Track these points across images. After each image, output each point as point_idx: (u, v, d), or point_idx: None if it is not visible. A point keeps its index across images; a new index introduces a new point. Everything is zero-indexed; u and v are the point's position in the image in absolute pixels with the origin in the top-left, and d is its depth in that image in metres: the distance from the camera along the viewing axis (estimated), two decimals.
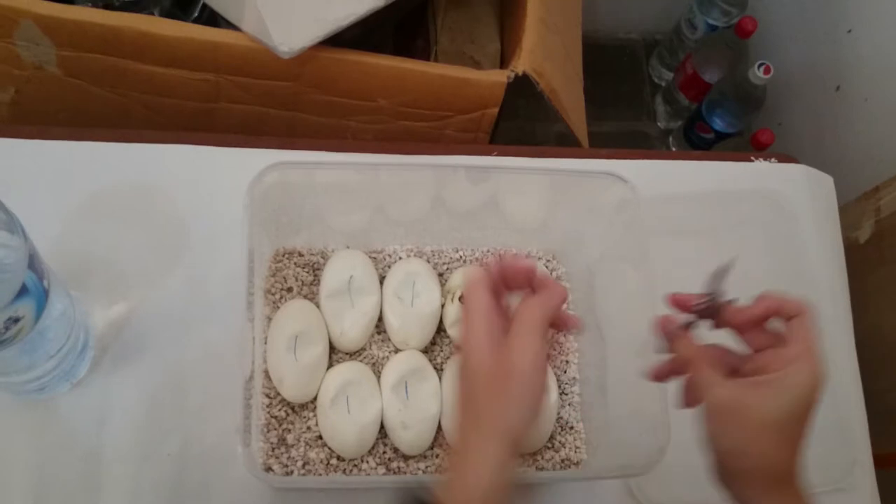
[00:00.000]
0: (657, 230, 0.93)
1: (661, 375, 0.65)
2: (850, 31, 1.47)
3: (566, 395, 0.83)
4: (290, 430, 0.76)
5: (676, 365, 0.63)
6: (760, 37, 1.60)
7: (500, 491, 0.56)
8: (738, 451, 0.58)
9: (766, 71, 1.51)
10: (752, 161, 1.00)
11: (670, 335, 0.63)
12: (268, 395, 0.77)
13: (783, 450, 0.57)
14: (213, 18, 0.99)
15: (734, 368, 0.60)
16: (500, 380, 0.57)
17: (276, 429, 0.76)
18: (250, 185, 0.69)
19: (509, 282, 0.63)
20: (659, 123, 1.84)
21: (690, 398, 0.62)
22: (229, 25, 0.91)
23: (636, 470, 0.68)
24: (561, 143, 1.37)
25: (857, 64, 1.47)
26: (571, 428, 0.81)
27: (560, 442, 0.80)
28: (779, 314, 0.60)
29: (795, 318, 0.59)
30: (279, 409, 0.77)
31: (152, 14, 1.00)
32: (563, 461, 0.79)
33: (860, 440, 0.91)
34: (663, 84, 1.86)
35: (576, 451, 0.80)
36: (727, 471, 0.60)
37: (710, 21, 1.68)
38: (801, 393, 0.57)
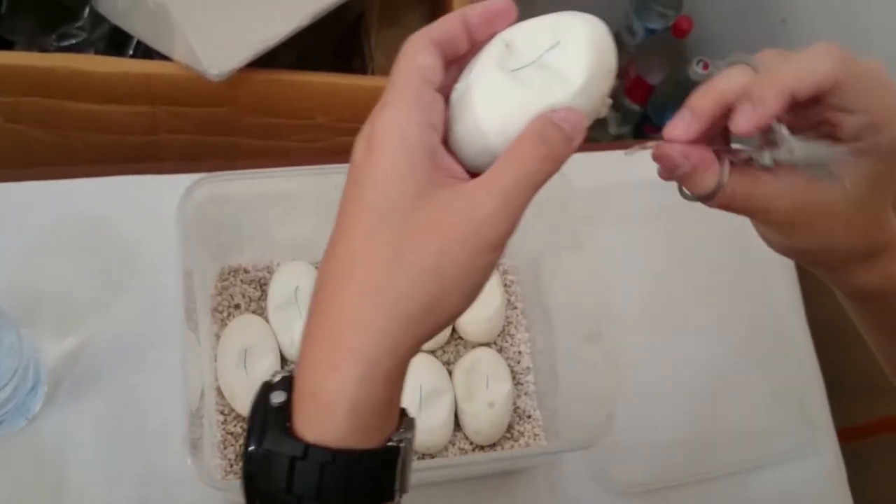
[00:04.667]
0: (604, 219, 0.96)
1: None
2: (783, 21, 1.51)
3: (521, 384, 0.83)
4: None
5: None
6: (697, 35, 1.64)
7: (389, 381, 0.37)
8: (824, 251, 0.47)
9: (705, 67, 1.54)
10: None
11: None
12: (222, 412, 0.77)
13: (871, 228, 0.46)
14: (148, 55, 1.01)
15: None
16: (416, 234, 0.36)
17: (232, 444, 0.76)
18: (181, 200, 0.70)
19: (477, 34, 0.41)
20: (610, 130, 1.87)
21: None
22: (162, 58, 0.93)
23: (587, 441, 0.68)
24: None
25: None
26: (529, 416, 0.82)
27: (518, 431, 0.81)
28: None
29: None
30: (234, 425, 0.77)
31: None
32: (521, 449, 0.80)
33: (818, 408, 0.92)
34: None
35: (535, 439, 0.81)
36: (812, 262, 0.50)
37: (648, 25, 1.71)
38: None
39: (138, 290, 0.84)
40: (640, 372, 0.88)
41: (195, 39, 0.85)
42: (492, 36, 0.40)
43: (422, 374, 0.78)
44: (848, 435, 0.96)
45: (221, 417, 0.77)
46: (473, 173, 0.39)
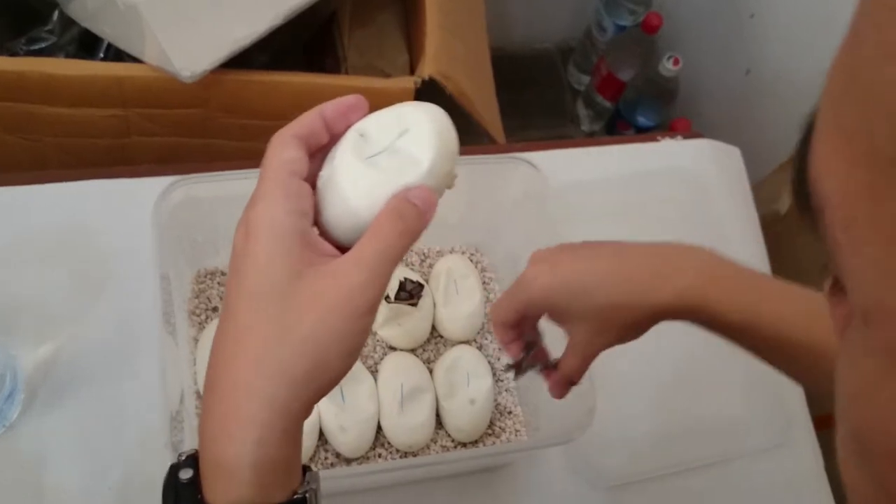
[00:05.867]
0: (576, 216, 0.96)
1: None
2: (752, 16, 1.52)
3: (501, 381, 0.84)
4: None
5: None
6: (667, 31, 1.65)
7: (285, 440, 0.40)
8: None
9: (676, 63, 1.55)
10: (658, 141, 1.03)
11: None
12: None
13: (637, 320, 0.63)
14: (119, 57, 1.00)
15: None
16: (294, 309, 0.40)
17: None
18: (156, 203, 0.69)
19: (334, 126, 0.46)
20: (583, 127, 1.88)
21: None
22: (134, 61, 0.92)
23: (568, 436, 0.69)
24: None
25: (762, 47, 1.51)
26: (510, 413, 0.82)
27: (500, 427, 0.81)
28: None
29: None
30: None
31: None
32: (503, 444, 0.80)
33: (794, 398, 0.94)
34: (582, 88, 1.90)
35: (516, 434, 0.81)
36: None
37: (618, 22, 1.73)
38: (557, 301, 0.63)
39: (114, 295, 0.83)
40: (618, 365, 0.88)
41: (167, 41, 0.85)
42: (347, 127, 0.45)
43: (403, 373, 0.79)
44: (823, 423, 0.98)
45: None
46: (344, 249, 0.43)
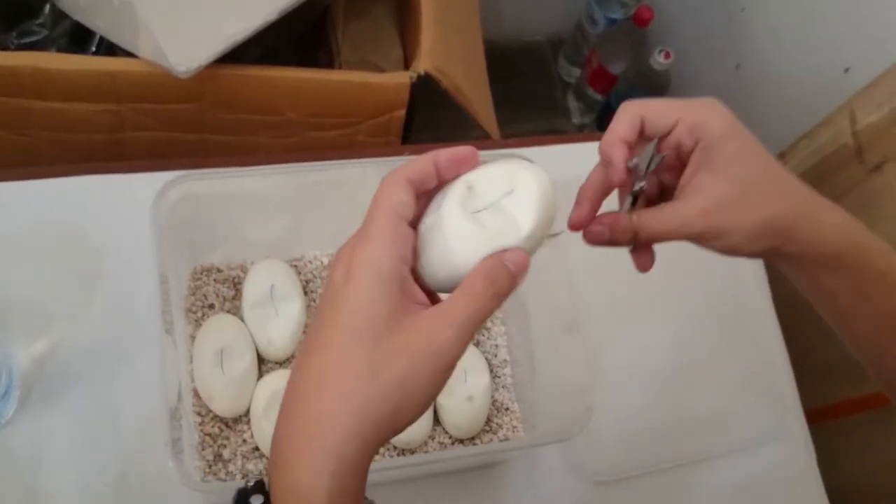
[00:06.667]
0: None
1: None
2: (743, 10, 1.52)
3: (499, 377, 0.84)
4: (225, 446, 0.76)
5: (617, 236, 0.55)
6: (658, 24, 1.65)
7: (357, 474, 0.43)
8: (741, 247, 0.53)
9: (667, 56, 1.56)
10: None
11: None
12: (199, 413, 0.76)
13: (778, 206, 0.53)
14: (111, 51, 0.99)
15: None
16: (387, 354, 0.42)
17: (211, 445, 0.76)
18: (154, 201, 0.69)
19: (445, 174, 0.47)
20: (573, 120, 1.88)
21: (646, 259, 0.57)
22: (127, 55, 0.91)
23: (566, 433, 0.69)
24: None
25: (753, 41, 1.52)
26: (507, 409, 0.83)
27: (497, 424, 0.82)
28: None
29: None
30: (212, 426, 0.76)
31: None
32: (501, 442, 0.80)
33: (787, 392, 0.94)
34: (573, 81, 1.90)
35: (513, 431, 0.81)
36: (760, 255, 0.55)
37: (609, 15, 1.72)
38: (735, 152, 0.52)
39: (109, 292, 0.83)
40: (612, 361, 0.89)
41: (162, 36, 0.84)
42: (457, 176, 0.47)
43: None
44: (815, 417, 0.99)
45: (199, 419, 0.76)
46: (431, 293, 0.46)
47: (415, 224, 0.46)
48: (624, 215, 0.54)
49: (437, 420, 0.80)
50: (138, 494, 0.75)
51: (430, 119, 1.10)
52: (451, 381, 0.80)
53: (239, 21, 0.87)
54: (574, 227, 0.54)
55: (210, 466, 0.75)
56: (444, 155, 0.46)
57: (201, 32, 0.85)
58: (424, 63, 0.96)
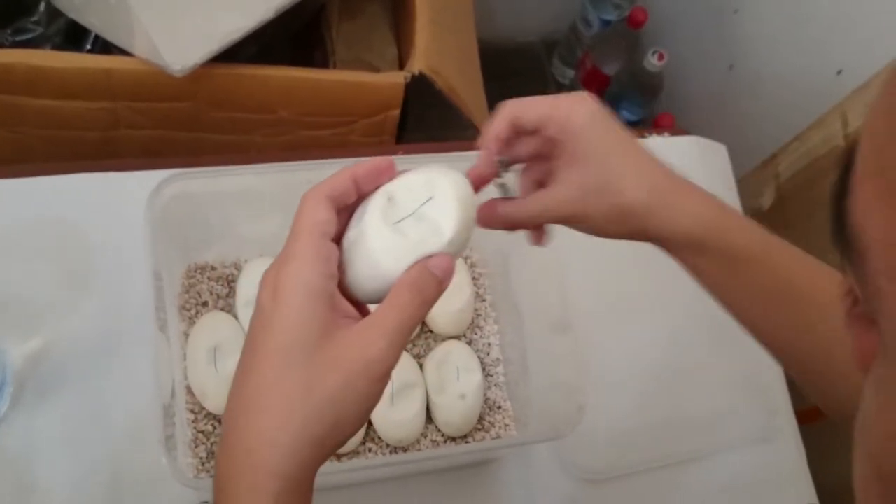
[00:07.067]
0: None
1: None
2: (736, 12, 1.53)
3: (491, 376, 0.84)
4: (217, 443, 0.76)
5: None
6: (652, 26, 1.66)
7: (301, 492, 0.43)
8: (602, 230, 0.57)
9: (661, 58, 1.56)
10: (645, 137, 1.03)
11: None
12: (192, 411, 0.77)
13: (630, 195, 0.55)
14: (106, 49, 0.99)
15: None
16: (320, 370, 0.43)
17: (204, 443, 0.76)
18: (149, 199, 0.69)
19: (363, 187, 0.48)
20: None
21: (536, 236, 0.61)
22: (122, 52, 0.91)
23: (558, 432, 0.69)
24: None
25: (746, 42, 1.52)
26: (499, 407, 0.83)
27: (489, 422, 0.82)
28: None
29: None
30: (205, 424, 0.77)
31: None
32: (493, 440, 0.81)
33: (778, 391, 0.95)
34: (567, 82, 1.90)
35: (505, 429, 0.82)
36: (627, 237, 0.58)
37: (603, 16, 1.73)
38: (593, 145, 0.55)
39: (102, 290, 0.83)
40: (604, 360, 0.89)
41: (157, 34, 0.84)
42: (376, 188, 0.48)
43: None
44: (805, 417, 0.99)
45: (192, 416, 0.76)
46: (360, 305, 0.47)
47: (338, 239, 0.47)
48: (494, 206, 0.57)
49: (429, 418, 0.81)
50: (131, 491, 0.75)
51: (424, 118, 1.10)
52: (444, 379, 0.81)
53: (234, 20, 0.87)
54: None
55: (203, 464, 0.75)
56: (362, 168, 0.47)
57: (196, 31, 0.86)
58: (419, 63, 0.97)
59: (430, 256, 0.45)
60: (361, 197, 0.48)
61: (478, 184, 0.55)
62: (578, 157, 0.55)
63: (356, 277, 0.46)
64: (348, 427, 0.44)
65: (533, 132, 0.56)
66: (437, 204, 0.46)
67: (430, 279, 0.45)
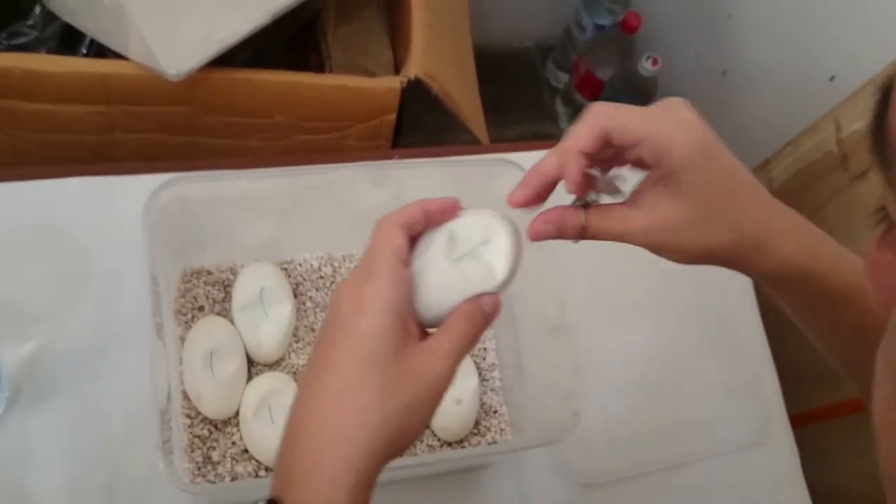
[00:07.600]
0: None
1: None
2: (729, 17, 1.54)
3: (487, 380, 0.84)
4: (214, 448, 0.76)
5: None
6: (646, 31, 1.66)
7: (370, 487, 0.47)
8: (682, 262, 0.54)
9: (654, 63, 1.57)
10: None
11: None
12: (188, 415, 0.77)
13: (723, 238, 0.53)
14: (101, 53, 0.99)
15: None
16: (395, 380, 0.48)
17: (200, 447, 0.76)
18: (146, 204, 0.69)
19: (432, 220, 0.53)
20: (561, 125, 1.89)
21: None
22: (117, 56, 0.91)
23: (554, 437, 0.70)
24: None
25: (739, 48, 1.53)
26: (495, 412, 0.83)
27: (485, 427, 0.82)
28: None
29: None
30: (201, 428, 0.77)
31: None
32: (489, 445, 0.81)
33: (773, 397, 0.95)
34: (561, 87, 1.91)
35: (501, 434, 0.82)
36: (709, 263, 0.55)
37: (598, 21, 1.74)
38: (693, 182, 0.51)
39: (98, 294, 0.83)
40: (599, 365, 0.90)
41: (153, 39, 0.84)
42: (441, 222, 0.53)
43: None
44: (799, 421, 0.99)
45: (188, 421, 0.76)
46: (420, 327, 0.52)
47: (405, 264, 0.52)
48: (574, 212, 0.54)
49: None
50: (126, 496, 0.75)
51: (419, 123, 1.11)
52: None
53: (230, 25, 0.87)
54: (512, 203, 0.54)
55: (199, 468, 0.75)
56: (433, 205, 0.53)
57: (192, 35, 0.86)
58: (415, 68, 0.97)
59: (481, 295, 0.51)
60: (425, 228, 0.53)
61: (548, 185, 0.53)
62: (672, 189, 0.52)
63: (420, 303, 0.52)
64: (413, 434, 0.49)
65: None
66: (492, 248, 0.53)
67: (480, 314, 0.51)
